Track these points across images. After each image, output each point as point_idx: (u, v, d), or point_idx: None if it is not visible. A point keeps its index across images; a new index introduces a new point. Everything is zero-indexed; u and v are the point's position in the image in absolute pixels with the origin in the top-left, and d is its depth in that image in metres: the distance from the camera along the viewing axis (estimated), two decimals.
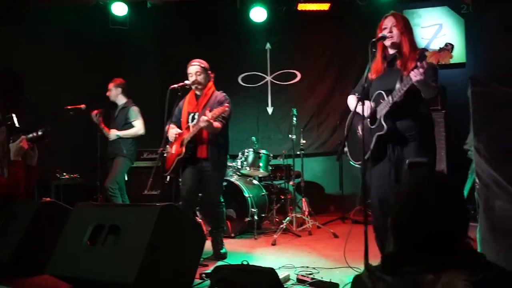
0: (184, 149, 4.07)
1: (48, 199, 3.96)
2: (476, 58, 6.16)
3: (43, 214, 3.63)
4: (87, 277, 2.77)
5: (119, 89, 5.48)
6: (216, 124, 3.98)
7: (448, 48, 2.68)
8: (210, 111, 3.98)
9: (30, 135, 4.11)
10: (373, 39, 3.06)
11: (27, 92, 5.62)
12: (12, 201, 3.84)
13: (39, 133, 4.07)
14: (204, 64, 4.23)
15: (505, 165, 2.59)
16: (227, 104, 3.92)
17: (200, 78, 4.17)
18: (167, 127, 4.11)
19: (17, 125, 4.18)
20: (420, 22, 6.71)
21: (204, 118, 3.83)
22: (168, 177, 4.38)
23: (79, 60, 6.77)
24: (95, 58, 6.93)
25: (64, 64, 6.59)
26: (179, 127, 4.30)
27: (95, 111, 5.45)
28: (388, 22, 3.14)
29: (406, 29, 3.13)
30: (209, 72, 4.25)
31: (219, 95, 4.20)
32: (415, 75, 2.79)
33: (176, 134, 4.18)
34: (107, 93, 5.48)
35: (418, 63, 2.81)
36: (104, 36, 7.22)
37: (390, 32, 3.10)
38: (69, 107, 5.35)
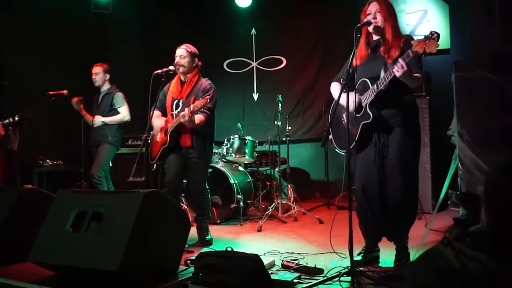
0: (168, 138, 4.04)
1: (30, 185, 3.89)
2: (460, 44, 6.19)
3: (25, 201, 3.56)
4: (70, 264, 2.73)
5: (107, 75, 5.37)
6: (199, 117, 3.95)
7: (434, 36, 2.66)
8: (195, 99, 3.95)
9: (7, 121, 4.02)
10: (358, 25, 3.05)
11: (6, 77, 5.52)
12: None
13: (16, 118, 3.99)
14: (191, 49, 4.17)
15: (487, 150, 2.61)
16: (208, 96, 3.85)
17: (184, 61, 4.11)
18: (151, 113, 4.06)
19: None
20: (405, 8, 6.70)
21: (183, 113, 3.80)
22: (155, 164, 4.34)
23: (61, 44, 6.64)
24: (77, 42, 6.80)
25: (45, 48, 6.46)
26: (164, 112, 4.26)
27: (75, 99, 5.33)
28: (372, 7, 3.13)
29: (390, 15, 3.12)
30: (196, 59, 4.19)
31: (204, 82, 4.15)
32: (397, 70, 2.80)
33: (161, 126, 4.14)
34: (93, 77, 5.33)
35: (400, 60, 2.80)
36: (86, 20, 7.08)
37: (374, 18, 3.10)
38: (51, 92, 5.25)
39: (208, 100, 3.82)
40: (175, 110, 4.12)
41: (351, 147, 2.98)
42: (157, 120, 4.18)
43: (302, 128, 7.54)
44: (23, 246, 2.98)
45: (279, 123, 5.77)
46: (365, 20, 3.10)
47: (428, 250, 1.23)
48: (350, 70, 3.06)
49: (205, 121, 4.00)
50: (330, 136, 3.40)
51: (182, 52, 4.13)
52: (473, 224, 2.09)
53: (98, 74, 5.33)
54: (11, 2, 6.27)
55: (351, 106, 3.09)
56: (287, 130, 6.08)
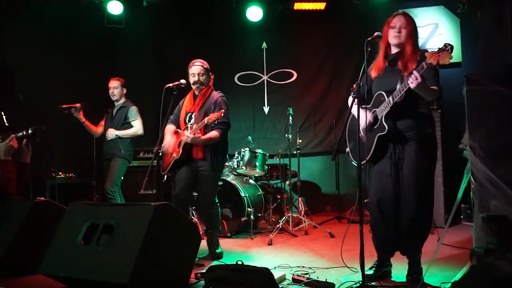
0: (181, 150, 4.06)
1: (42, 198, 3.93)
2: (472, 57, 6.17)
3: (37, 213, 3.60)
4: (81, 277, 2.75)
5: (124, 89, 5.45)
6: (214, 133, 3.99)
7: (448, 48, 2.67)
8: (207, 111, 3.99)
9: (20, 134, 4.06)
10: (369, 38, 3.05)
11: (20, 91, 5.59)
12: (5, 200, 3.82)
13: (29, 131, 4.03)
14: (206, 65, 4.23)
15: (499, 164, 2.58)
16: (223, 110, 3.89)
17: (202, 79, 4.18)
18: (164, 126, 4.10)
19: (6, 123, 4.14)
20: (416, 22, 6.69)
21: (186, 136, 3.90)
22: (166, 176, 4.36)
23: (74, 58, 6.73)
24: (91, 57, 6.90)
25: (59, 63, 6.55)
26: (178, 125, 4.30)
27: (74, 105, 5.31)
28: (398, 21, 3.13)
29: (414, 32, 3.13)
30: (210, 73, 4.25)
31: (216, 95, 4.19)
32: (412, 82, 2.80)
33: (169, 149, 4.18)
34: (111, 91, 5.39)
35: (414, 71, 2.81)
36: (99, 35, 7.19)
37: (399, 32, 3.10)
38: (64, 106, 5.32)
39: (222, 114, 3.86)
40: (188, 123, 4.16)
41: (362, 162, 2.97)
42: (168, 137, 4.21)
43: (312, 141, 7.52)
44: (35, 258, 3.00)
45: (290, 136, 5.78)
46: (376, 34, 3.10)
47: (474, 266, 1.26)
48: (361, 84, 3.07)
49: (219, 137, 4.02)
50: (347, 149, 3.40)
51: (199, 70, 4.18)
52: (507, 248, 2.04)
53: (117, 88, 5.39)
54: (25, 16, 6.38)
55: (364, 122, 3.09)
56: (298, 143, 6.07)
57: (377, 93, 3.16)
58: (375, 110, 3.15)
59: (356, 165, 3.31)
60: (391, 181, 3.09)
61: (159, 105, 4.03)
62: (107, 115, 5.52)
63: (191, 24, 7.61)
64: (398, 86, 3.01)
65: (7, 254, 3.39)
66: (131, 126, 5.35)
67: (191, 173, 4.14)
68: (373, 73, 3.24)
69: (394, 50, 3.20)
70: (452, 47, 2.67)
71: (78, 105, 5.36)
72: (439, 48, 2.71)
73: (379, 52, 3.24)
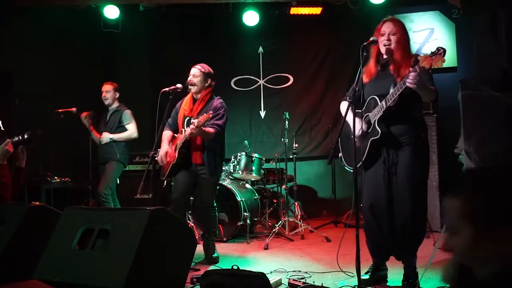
0: (177, 155, 4.05)
1: (37, 203, 3.92)
2: (467, 62, 6.20)
3: (32, 218, 3.59)
4: (76, 282, 2.73)
5: (117, 93, 5.46)
6: (208, 129, 3.96)
7: (440, 52, 2.68)
8: None
9: (16, 138, 4.05)
10: (364, 43, 3.06)
11: (16, 95, 5.58)
12: (0, 205, 3.80)
13: (25, 136, 4.02)
14: (205, 69, 4.22)
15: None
16: (211, 112, 3.88)
17: (196, 80, 4.16)
18: (160, 129, 4.09)
19: (1, 128, 4.13)
20: (411, 27, 6.74)
21: (191, 127, 3.83)
22: (165, 181, 4.34)
23: (70, 62, 6.73)
24: (87, 61, 6.91)
25: (55, 67, 6.55)
26: (176, 129, 4.29)
27: (85, 113, 5.40)
28: (386, 28, 3.13)
29: (404, 37, 3.13)
30: (210, 79, 4.24)
31: (216, 101, 4.18)
32: (410, 82, 2.80)
33: (164, 156, 4.14)
34: (104, 95, 5.41)
35: (411, 68, 2.82)
36: (96, 39, 7.20)
37: (388, 39, 3.11)
38: (60, 110, 5.32)
39: (219, 117, 3.85)
40: (186, 127, 4.14)
41: (357, 165, 2.98)
42: (165, 146, 4.19)
43: (309, 145, 7.53)
44: (30, 263, 2.99)
45: (286, 141, 5.78)
46: (371, 38, 3.11)
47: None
48: (357, 88, 3.08)
49: (213, 135, 4.00)
50: (340, 154, 3.40)
51: (195, 72, 4.19)
52: None
53: (109, 92, 5.40)
54: (22, 20, 6.37)
55: (359, 126, 3.09)
56: (294, 148, 6.08)
57: (369, 97, 3.17)
58: (367, 115, 3.16)
59: (349, 169, 3.33)
60: (384, 186, 3.10)
61: (155, 109, 4.03)
62: (101, 120, 5.52)
63: (188, 29, 7.62)
64: (391, 90, 3.02)
65: (2, 258, 3.37)
66: (125, 130, 5.35)
67: (190, 178, 4.14)
68: (365, 78, 3.24)
69: (385, 55, 3.22)
70: (444, 50, 2.69)
71: (74, 109, 5.36)
72: (431, 51, 2.72)
73: (369, 58, 3.25)
